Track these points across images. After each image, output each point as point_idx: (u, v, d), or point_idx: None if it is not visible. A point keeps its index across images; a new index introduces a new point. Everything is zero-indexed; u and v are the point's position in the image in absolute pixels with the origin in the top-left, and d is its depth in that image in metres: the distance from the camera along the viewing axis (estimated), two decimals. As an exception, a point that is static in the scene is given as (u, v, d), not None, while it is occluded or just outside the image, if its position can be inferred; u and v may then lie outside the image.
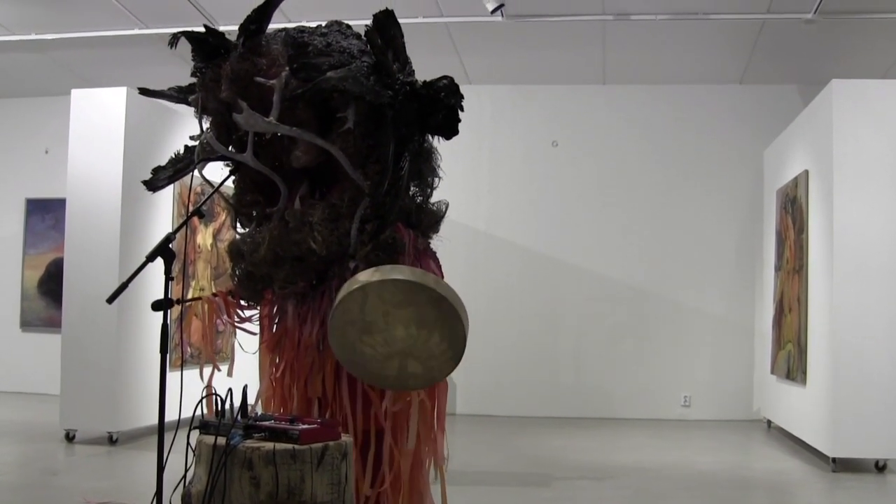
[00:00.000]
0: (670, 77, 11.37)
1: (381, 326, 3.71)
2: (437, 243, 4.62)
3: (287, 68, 4.07)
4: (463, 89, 4.25)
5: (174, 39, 4.34)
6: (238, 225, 4.66)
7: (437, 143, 4.45)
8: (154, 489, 3.65)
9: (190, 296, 9.26)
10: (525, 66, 11.32)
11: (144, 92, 4.76)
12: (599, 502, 6.58)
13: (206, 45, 4.35)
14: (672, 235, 11.39)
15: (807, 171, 8.79)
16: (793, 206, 9.27)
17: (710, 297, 11.31)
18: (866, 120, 7.93)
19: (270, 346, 4.45)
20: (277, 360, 4.44)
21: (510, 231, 11.65)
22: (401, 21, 4.19)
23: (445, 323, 3.72)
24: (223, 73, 4.20)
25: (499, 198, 11.72)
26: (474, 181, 11.65)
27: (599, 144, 11.61)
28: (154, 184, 4.65)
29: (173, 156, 4.66)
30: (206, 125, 4.43)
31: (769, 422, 10.44)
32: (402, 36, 4.26)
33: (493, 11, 9.27)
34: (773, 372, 9.97)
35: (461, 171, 11.24)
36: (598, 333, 11.43)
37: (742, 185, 11.33)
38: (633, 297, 11.39)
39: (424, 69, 4.49)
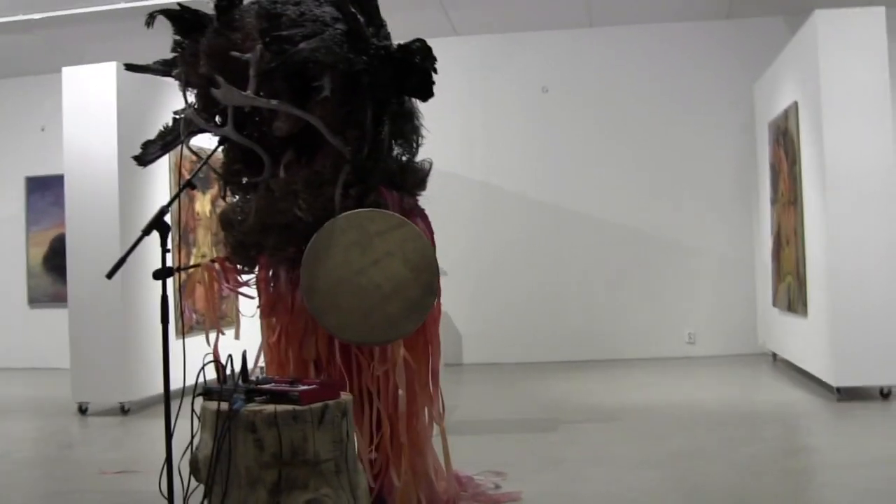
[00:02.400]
0: (656, 16, 11.31)
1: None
2: (431, 198, 4.68)
3: (260, 42, 4.09)
4: (450, 41, 4.31)
5: (150, 18, 4.36)
6: (228, 193, 4.72)
7: (424, 98, 4.47)
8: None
9: (192, 263, 9.33)
10: (511, 14, 11.24)
11: (130, 67, 4.80)
12: (606, 444, 6.64)
13: (184, 21, 4.38)
14: (668, 174, 11.41)
15: (796, 103, 8.79)
16: (784, 139, 9.28)
17: (709, 233, 11.34)
18: (851, 48, 7.91)
19: (266, 310, 4.53)
20: (274, 324, 4.53)
21: (507, 180, 11.66)
22: (380, -23, 4.22)
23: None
24: (200, 48, 4.24)
25: (493, 148, 11.72)
26: (468, 133, 11.66)
27: (590, 87, 11.60)
28: (143, 158, 4.72)
29: (162, 129, 4.72)
30: (191, 98, 4.48)
31: (774, 354, 10.53)
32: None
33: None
34: (774, 304, 10.05)
35: (454, 123, 11.29)
36: (601, 276, 11.48)
37: (734, 119, 11.31)
38: (634, 238, 11.41)
39: (410, 26, 4.51)
